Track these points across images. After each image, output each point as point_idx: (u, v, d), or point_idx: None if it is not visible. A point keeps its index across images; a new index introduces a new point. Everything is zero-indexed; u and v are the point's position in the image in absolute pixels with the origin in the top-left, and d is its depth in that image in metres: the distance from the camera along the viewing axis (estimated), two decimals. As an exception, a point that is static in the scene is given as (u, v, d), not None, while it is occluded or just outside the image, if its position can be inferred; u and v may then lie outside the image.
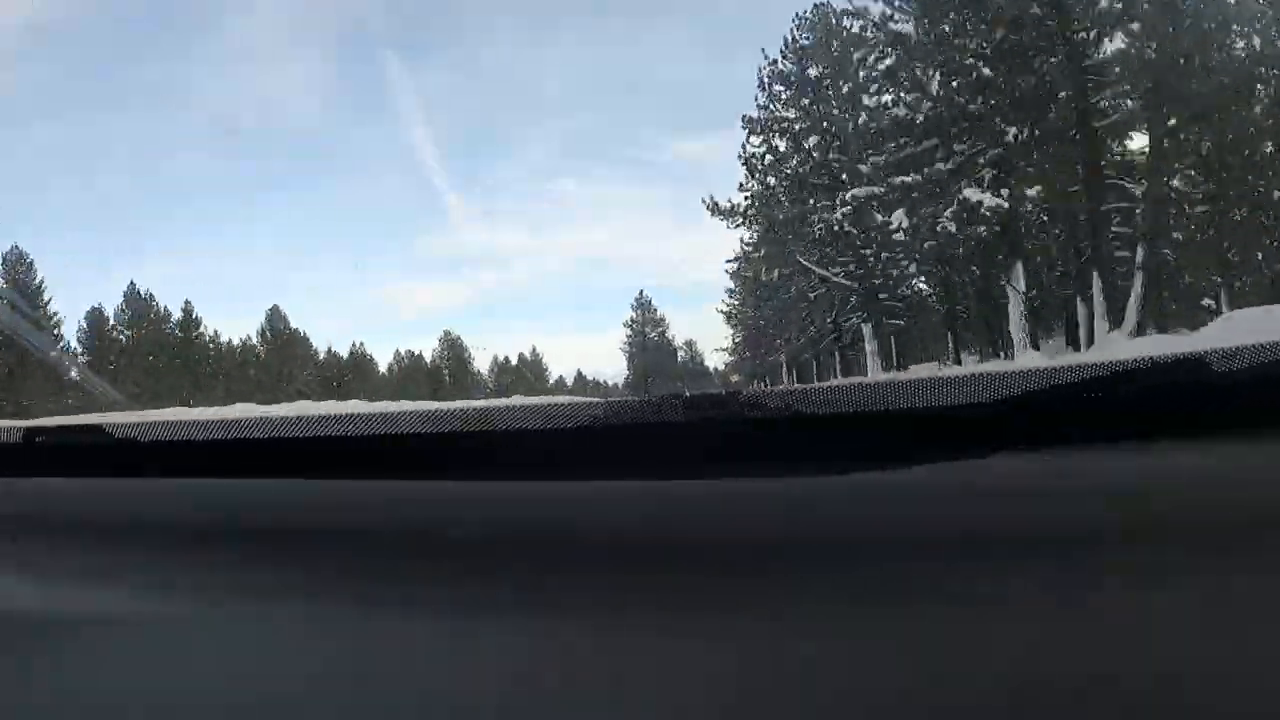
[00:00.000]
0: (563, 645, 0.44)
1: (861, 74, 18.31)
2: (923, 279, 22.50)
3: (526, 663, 0.43)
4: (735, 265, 33.91)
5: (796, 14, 24.12)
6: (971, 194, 14.13)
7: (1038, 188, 14.99)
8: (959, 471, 0.50)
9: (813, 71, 22.57)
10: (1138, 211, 14.10)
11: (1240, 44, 13.92)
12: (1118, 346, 11.96)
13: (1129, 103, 13.62)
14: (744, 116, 23.42)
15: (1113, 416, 0.53)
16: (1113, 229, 14.79)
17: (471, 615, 0.48)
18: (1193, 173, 16.31)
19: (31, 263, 36.54)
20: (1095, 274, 13.95)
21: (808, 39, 23.58)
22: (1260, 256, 18.89)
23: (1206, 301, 19.46)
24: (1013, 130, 13.79)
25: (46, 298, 35.85)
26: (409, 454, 0.66)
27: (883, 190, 15.91)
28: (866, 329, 22.32)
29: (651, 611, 0.46)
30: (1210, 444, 0.50)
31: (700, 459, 0.57)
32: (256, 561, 0.57)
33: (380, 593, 0.51)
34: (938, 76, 14.61)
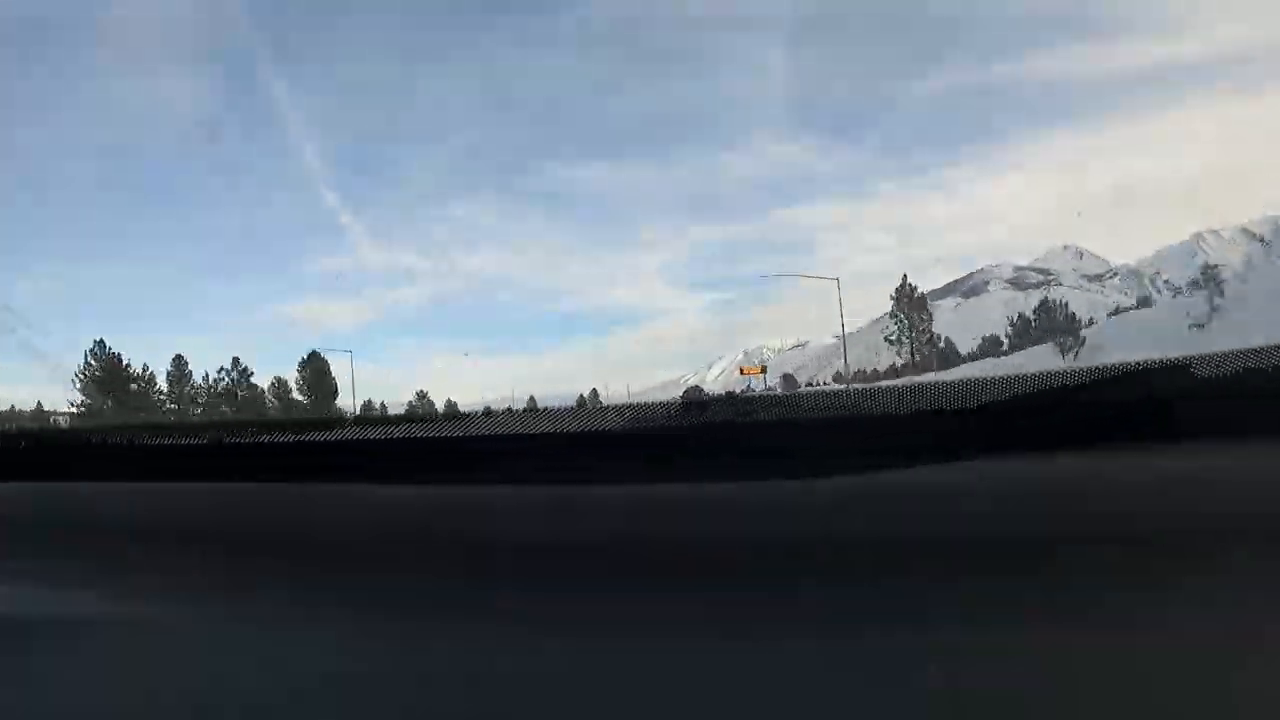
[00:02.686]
0: (561, 646, 0.43)
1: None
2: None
3: (525, 663, 0.42)
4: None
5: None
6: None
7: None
8: (958, 472, 0.50)
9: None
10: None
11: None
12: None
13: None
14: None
15: (1109, 418, 0.53)
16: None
17: (471, 616, 0.47)
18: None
19: None
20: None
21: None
22: None
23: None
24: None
25: None
26: (397, 458, 0.66)
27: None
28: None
29: (651, 611, 0.46)
30: (1209, 445, 0.50)
31: (699, 460, 0.57)
32: (242, 564, 0.57)
33: (370, 595, 0.51)
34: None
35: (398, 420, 0.66)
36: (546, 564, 0.51)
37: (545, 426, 0.63)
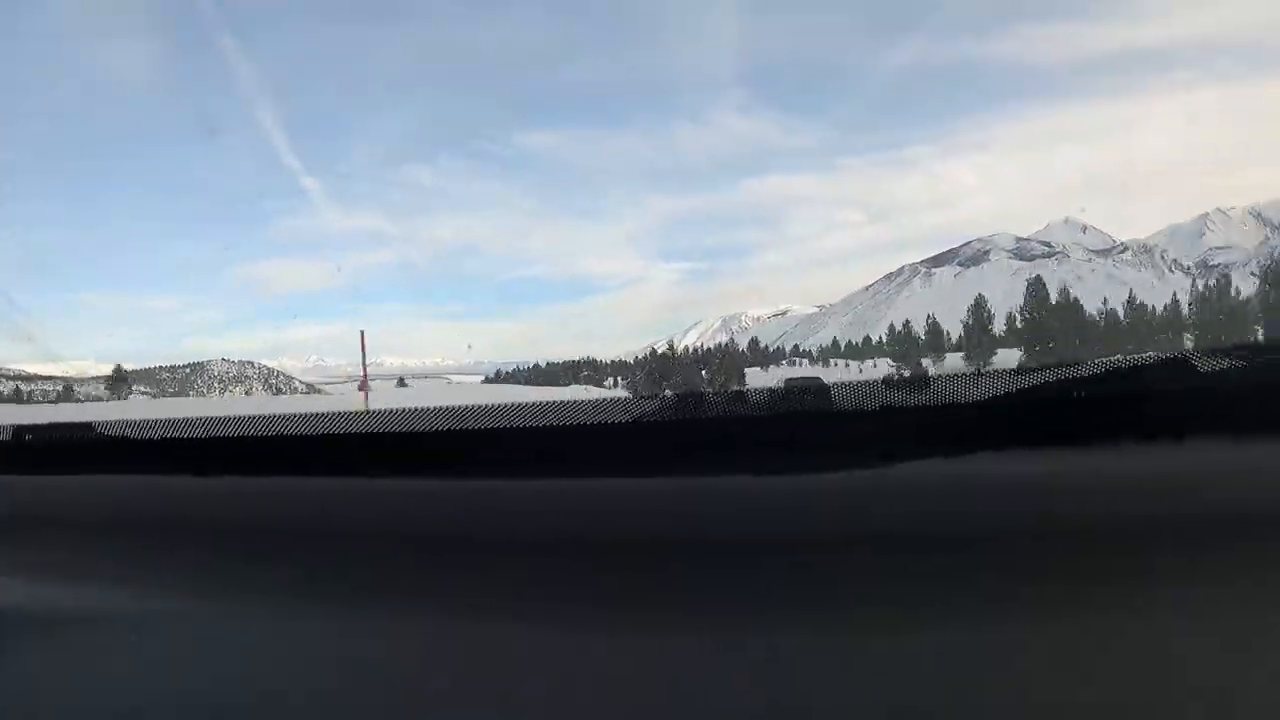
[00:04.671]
0: (560, 642, 0.43)
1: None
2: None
3: (525, 660, 0.42)
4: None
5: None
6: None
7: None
8: (954, 468, 0.50)
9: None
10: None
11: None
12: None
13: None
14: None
15: (1109, 414, 0.53)
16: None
17: (469, 614, 0.47)
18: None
19: None
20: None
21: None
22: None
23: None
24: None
25: None
26: (403, 453, 0.66)
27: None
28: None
29: (652, 608, 0.45)
30: (1209, 441, 0.50)
31: (698, 457, 0.57)
32: (252, 559, 0.57)
33: (376, 590, 0.51)
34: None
35: (394, 416, 0.65)
36: (546, 560, 0.51)
37: (542, 420, 0.62)
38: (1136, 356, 0.54)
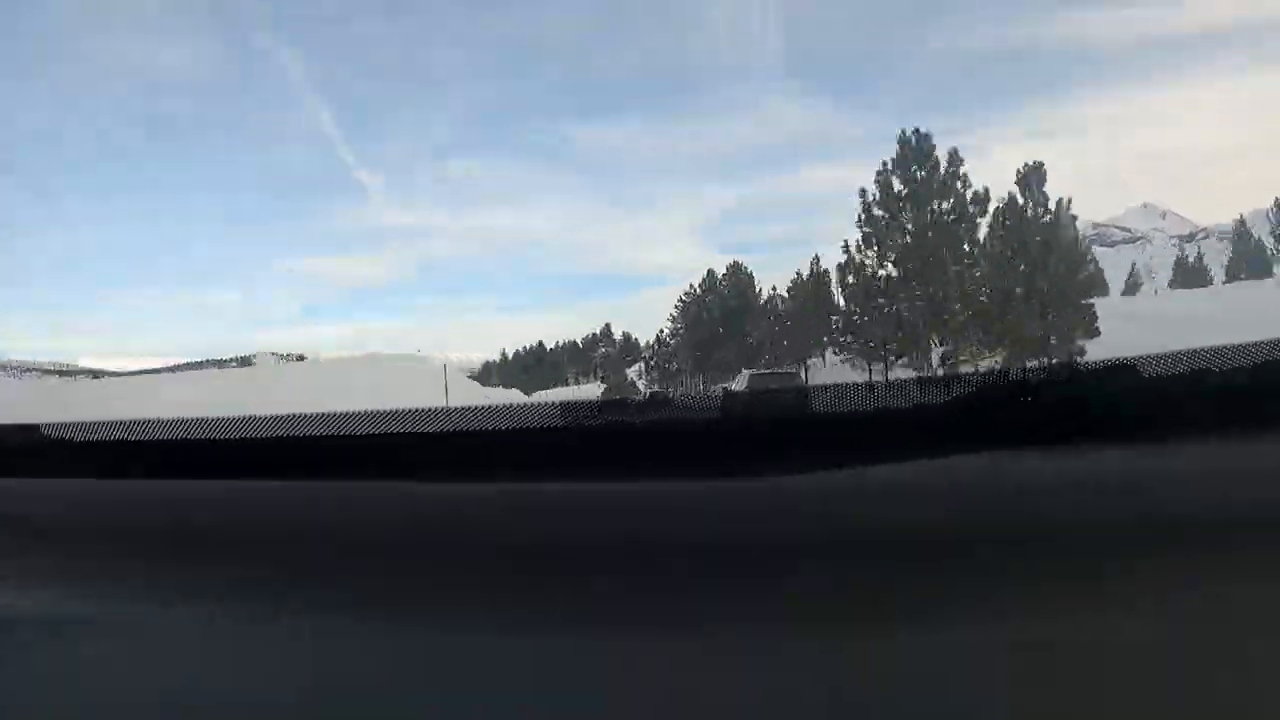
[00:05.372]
0: (560, 643, 0.43)
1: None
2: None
3: (524, 663, 0.42)
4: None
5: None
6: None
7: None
8: (949, 467, 0.50)
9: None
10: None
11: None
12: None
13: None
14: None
15: (1103, 413, 0.53)
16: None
17: (468, 615, 0.47)
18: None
19: None
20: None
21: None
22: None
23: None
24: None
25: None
26: (397, 455, 0.65)
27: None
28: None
29: (653, 609, 0.45)
30: (1206, 442, 0.50)
31: (697, 458, 0.57)
32: (238, 562, 0.57)
33: (374, 592, 0.51)
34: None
35: (392, 417, 0.65)
36: (546, 561, 0.51)
37: (544, 422, 0.62)
38: (1124, 357, 0.54)
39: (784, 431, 0.59)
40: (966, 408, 0.55)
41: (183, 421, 0.70)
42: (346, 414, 0.66)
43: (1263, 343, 0.51)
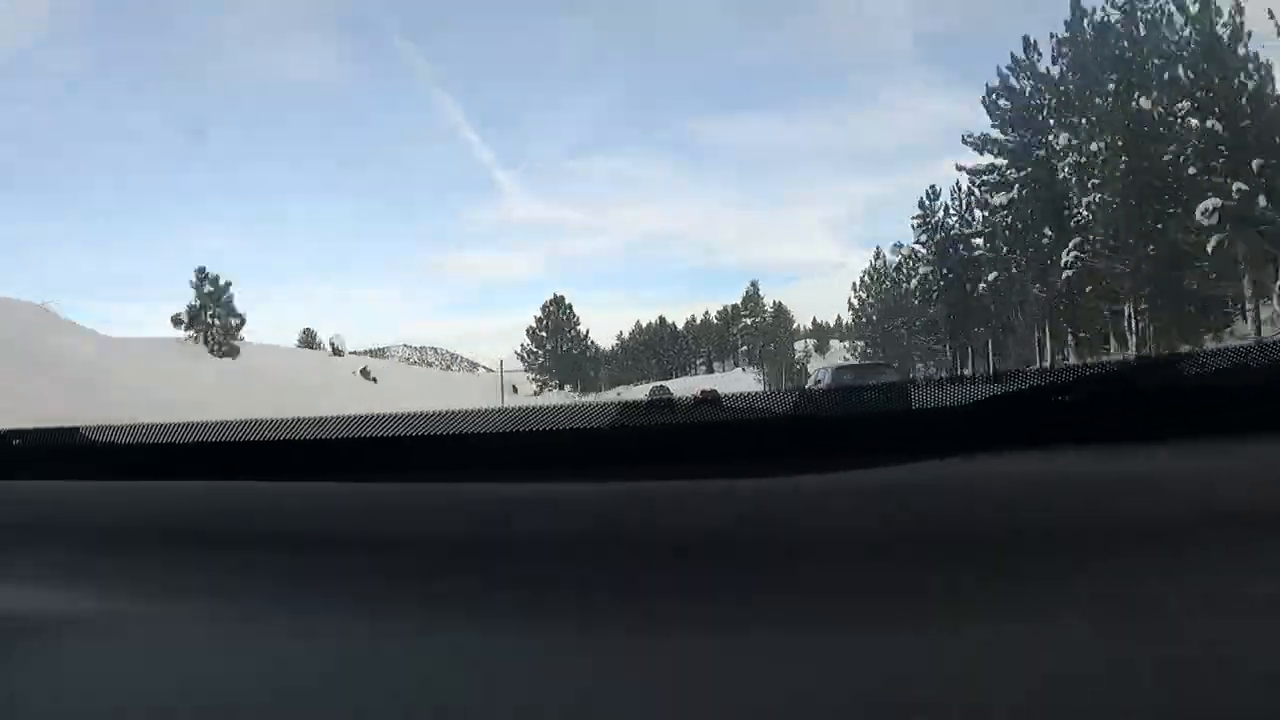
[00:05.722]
0: (559, 644, 0.43)
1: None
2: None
3: (524, 661, 0.43)
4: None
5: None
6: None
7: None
8: (953, 468, 0.51)
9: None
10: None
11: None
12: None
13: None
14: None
15: (1106, 414, 0.53)
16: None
17: (469, 614, 0.47)
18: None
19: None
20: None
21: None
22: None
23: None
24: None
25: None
26: (398, 456, 0.66)
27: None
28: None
29: (653, 610, 0.45)
30: (1208, 442, 0.50)
31: (698, 458, 0.57)
32: (237, 563, 0.57)
33: (373, 593, 0.51)
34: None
35: (389, 419, 0.66)
36: (546, 563, 0.51)
37: (544, 424, 0.62)
38: (1129, 358, 0.56)
39: (785, 432, 0.60)
40: (968, 408, 0.55)
41: (183, 424, 0.70)
42: (347, 415, 0.66)
43: (1264, 344, 0.52)
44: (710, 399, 0.64)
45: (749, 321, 69.73)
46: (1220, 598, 0.40)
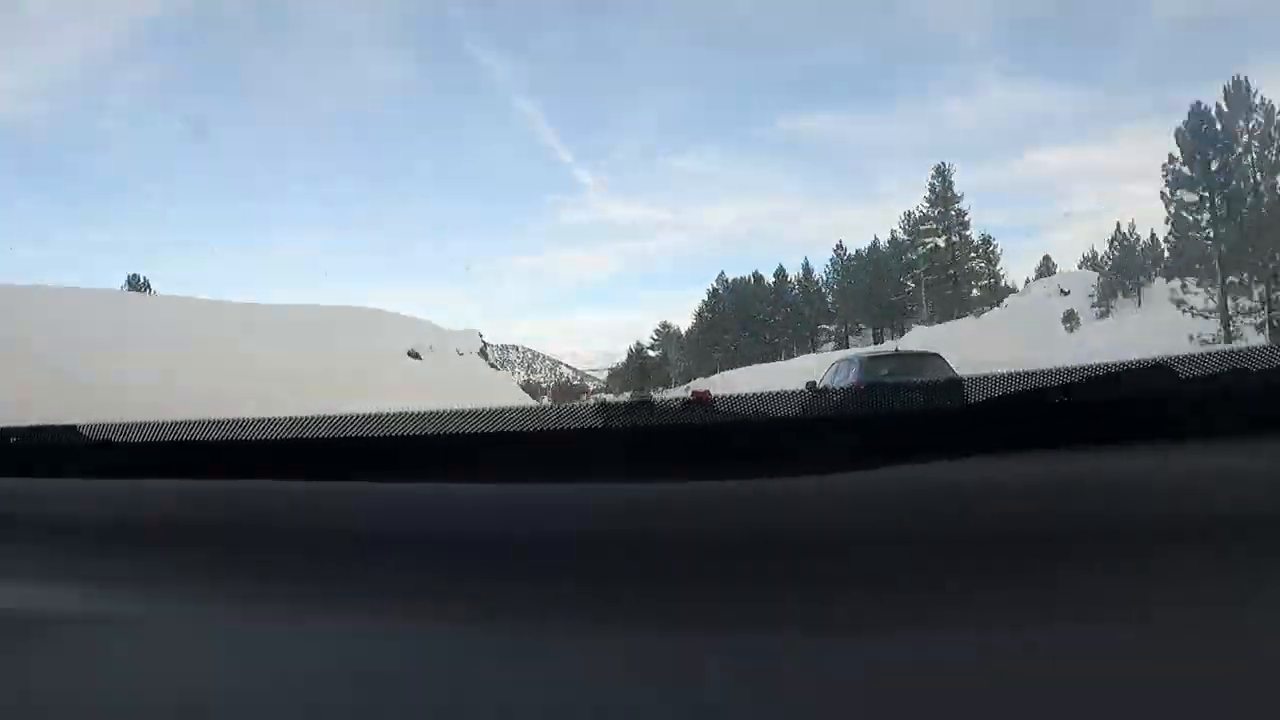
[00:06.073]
0: (559, 646, 0.43)
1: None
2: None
3: (523, 664, 0.42)
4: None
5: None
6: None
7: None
8: (955, 470, 0.50)
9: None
10: None
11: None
12: None
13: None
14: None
15: (1110, 416, 0.53)
16: None
17: (468, 615, 0.47)
18: None
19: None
20: None
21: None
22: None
23: None
24: None
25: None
26: (399, 456, 0.66)
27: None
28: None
29: (653, 610, 0.46)
30: (1208, 442, 0.50)
31: (699, 459, 0.57)
32: (237, 562, 0.57)
33: (372, 593, 0.51)
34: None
35: (391, 419, 0.65)
36: (546, 563, 0.51)
37: (545, 425, 0.62)
38: (1131, 360, 0.54)
39: (785, 433, 0.59)
40: (968, 408, 0.55)
41: (182, 422, 0.70)
42: (346, 415, 0.66)
43: (1263, 345, 0.55)
44: (705, 400, 0.64)
45: (939, 244, 43.69)
46: (1221, 598, 0.40)
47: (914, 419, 0.57)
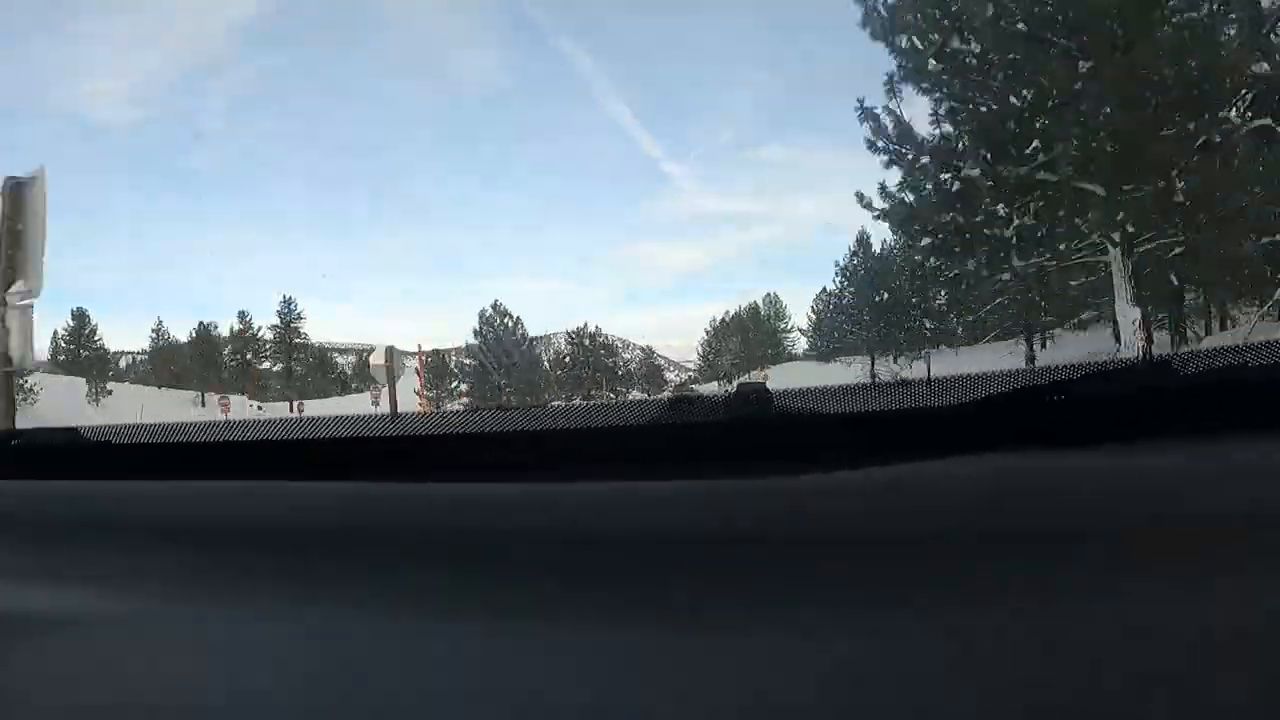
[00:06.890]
0: (559, 646, 0.43)
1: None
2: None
3: (522, 663, 0.42)
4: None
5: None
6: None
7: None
8: (957, 471, 0.50)
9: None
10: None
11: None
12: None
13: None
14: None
15: (1110, 413, 0.53)
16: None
17: (469, 615, 0.48)
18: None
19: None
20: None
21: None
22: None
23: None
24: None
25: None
26: (393, 457, 0.66)
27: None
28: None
29: (652, 610, 0.46)
30: (1208, 442, 0.50)
31: (698, 459, 0.57)
32: (237, 562, 0.57)
33: (370, 593, 0.51)
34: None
35: (384, 420, 0.66)
36: (546, 562, 0.51)
37: (544, 424, 0.63)
38: (1130, 358, 0.56)
39: (785, 431, 0.60)
40: (968, 408, 0.55)
41: (182, 424, 0.71)
42: (346, 415, 0.66)
43: (1263, 343, 0.52)
44: (708, 399, 0.64)
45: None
46: (1221, 598, 0.40)
47: (914, 417, 0.57)
